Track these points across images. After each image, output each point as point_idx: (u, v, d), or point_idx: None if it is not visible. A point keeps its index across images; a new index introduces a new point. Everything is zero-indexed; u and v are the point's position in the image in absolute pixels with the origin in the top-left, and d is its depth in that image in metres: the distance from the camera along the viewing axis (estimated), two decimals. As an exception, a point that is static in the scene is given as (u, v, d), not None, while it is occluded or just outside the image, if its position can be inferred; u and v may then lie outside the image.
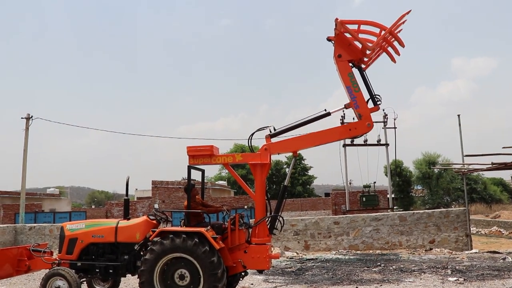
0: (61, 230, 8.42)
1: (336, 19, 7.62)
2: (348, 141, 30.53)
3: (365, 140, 30.67)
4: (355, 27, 7.71)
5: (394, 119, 30.73)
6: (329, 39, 7.97)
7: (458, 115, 19.39)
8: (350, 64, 7.91)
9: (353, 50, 7.83)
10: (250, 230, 7.95)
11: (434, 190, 50.29)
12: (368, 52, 7.84)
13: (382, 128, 31.30)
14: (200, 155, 7.98)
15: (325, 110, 8.09)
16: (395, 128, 30.51)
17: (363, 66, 8.20)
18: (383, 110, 30.75)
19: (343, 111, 30.08)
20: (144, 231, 7.92)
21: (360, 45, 7.78)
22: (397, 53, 7.98)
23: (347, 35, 7.74)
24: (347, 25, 7.62)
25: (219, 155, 8.16)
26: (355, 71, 7.96)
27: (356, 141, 30.62)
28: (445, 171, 48.33)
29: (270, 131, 8.10)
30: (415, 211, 16.98)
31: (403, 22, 7.70)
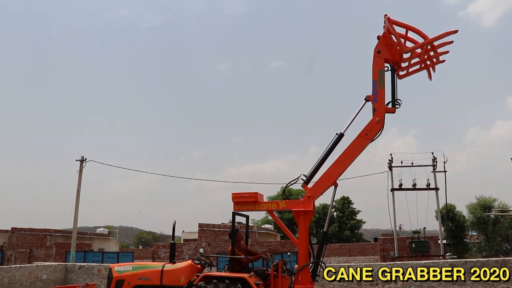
0: (109, 272, 8.69)
1: (385, 15, 7.94)
2: (396, 185, 29.86)
3: (414, 185, 29.86)
4: (402, 31, 8.03)
5: (444, 163, 29.87)
6: (378, 38, 8.28)
7: (511, 159, 18.73)
8: (387, 65, 8.21)
9: (392, 50, 8.16)
10: (293, 276, 7.92)
11: (491, 237, 47.58)
12: (405, 56, 8.16)
13: (432, 172, 30.40)
14: (244, 202, 8.11)
15: (337, 133, 8.30)
16: (445, 171, 29.62)
17: (401, 73, 8.55)
18: (432, 153, 30.05)
19: (390, 157, 29.67)
20: (189, 275, 8.05)
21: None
22: (433, 69, 8.35)
23: (393, 37, 8.03)
24: (394, 26, 7.91)
25: (263, 202, 8.27)
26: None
27: (405, 185, 29.90)
28: (503, 217, 45.85)
29: (303, 179, 8.19)
30: (468, 259, 16.17)
31: (449, 43, 7.95)
